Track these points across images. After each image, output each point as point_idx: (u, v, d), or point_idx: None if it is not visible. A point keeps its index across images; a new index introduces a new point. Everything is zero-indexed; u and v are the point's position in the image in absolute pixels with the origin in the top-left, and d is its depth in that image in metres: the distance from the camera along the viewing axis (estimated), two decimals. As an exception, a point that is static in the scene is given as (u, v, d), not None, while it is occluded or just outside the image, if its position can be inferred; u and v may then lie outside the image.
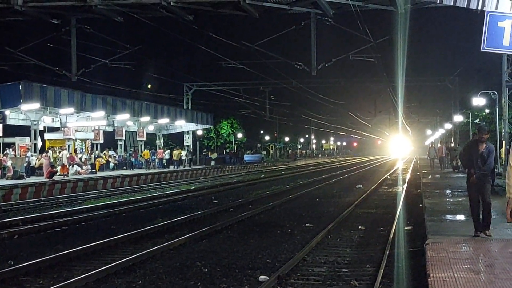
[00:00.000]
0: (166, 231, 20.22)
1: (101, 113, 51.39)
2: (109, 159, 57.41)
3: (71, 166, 47.42)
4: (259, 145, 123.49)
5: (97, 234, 19.47)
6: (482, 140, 14.48)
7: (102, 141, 57.73)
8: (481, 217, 14.86)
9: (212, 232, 19.71)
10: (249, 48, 41.14)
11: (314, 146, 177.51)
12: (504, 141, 44.98)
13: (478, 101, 51.91)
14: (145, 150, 65.22)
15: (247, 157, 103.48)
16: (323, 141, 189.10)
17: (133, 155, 65.61)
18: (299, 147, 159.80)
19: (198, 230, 19.50)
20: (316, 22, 36.97)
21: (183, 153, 67.02)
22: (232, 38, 39.50)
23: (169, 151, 67.10)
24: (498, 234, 15.58)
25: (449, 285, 10.11)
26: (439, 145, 67.34)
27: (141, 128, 65.48)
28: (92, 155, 54.68)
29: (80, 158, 50.99)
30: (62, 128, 51.68)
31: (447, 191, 30.23)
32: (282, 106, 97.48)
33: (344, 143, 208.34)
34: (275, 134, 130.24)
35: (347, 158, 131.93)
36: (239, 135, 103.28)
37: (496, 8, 14.62)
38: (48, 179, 38.67)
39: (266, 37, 40.38)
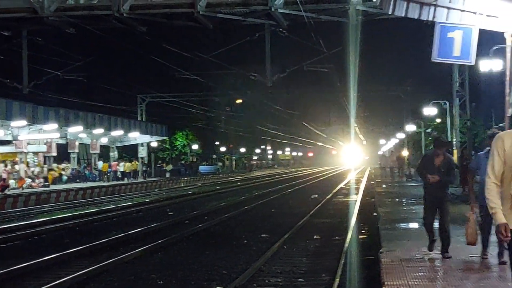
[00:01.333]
0: (120, 244, 20.12)
1: (53, 126, 50.86)
2: (62, 172, 56.90)
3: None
4: (214, 156, 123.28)
5: (50, 248, 19.28)
6: (438, 153, 13.06)
7: (55, 154, 57.18)
8: (436, 235, 13.47)
9: (167, 244, 19.67)
10: (204, 59, 41.19)
11: (270, 156, 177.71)
12: (455, 150, 45.60)
13: (430, 110, 52.60)
14: (103, 163, 64.97)
15: (202, 168, 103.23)
16: (279, 152, 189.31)
17: (87, 167, 65.11)
18: (255, 158, 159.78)
19: (153, 242, 19.44)
20: (271, 33, 37.13)
21: (132, 165, 66.53)
22: (186, 49, 39.44)
23: (123, 163, 66.71)
24: (452, 241, 15.81)
25: (403, 293, 10.27)
26: (387, 154, 67.94)
27: (95, 141, 64.97)
28: (45, 168, 54.13)
29: (33, 171, 50.47)
30: (14, 141, 51.04)
31: (400, 200, 30.59)
32: (238, 117, 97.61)
33: (300, 154, 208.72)
34: (231, 146, 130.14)
35: (302, 169, 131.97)
36: (194, 147, 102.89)
37: (447, 19, 14.88)
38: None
39: (221, 48, 40.46)
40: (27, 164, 52.48)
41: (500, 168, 6.75)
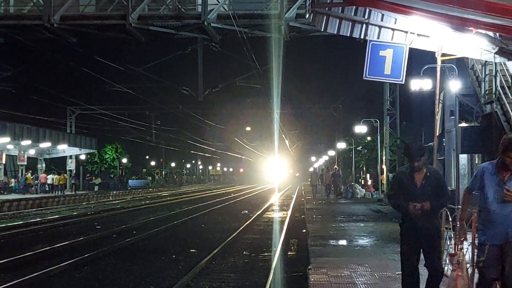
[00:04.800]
0: (46, 258, 19.76)
1: (-20, 136, 50.03)
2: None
3: None
4: (144, 170, 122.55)
5: (-27, 261, 18.85)
6: (416, 167, 9.33)
7: (-20, 165, 56.21)
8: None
9: (94, 258, 19.40)
10: (135, 72, 40.97)
11: (200, 171, 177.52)
12: (384, 168, 46.24)
13: (361, 128, 53.33)
14: (27, 174, 63.95)
15: (132, 182, 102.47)
16: (210, 167, 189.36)
17: (16, 178, 64.05)
18: (186, 172, 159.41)
19: (79, 256, 19.15)
20: (203, 48, 37.15)
21: (61, 178, 65.62)
22: (118, 62, 39.19)
23: (52, 176, 65.78)
24: (377, 259, 15.98)
25: (331, 309, 10.30)
26: (320, 171, 68.14)
27: (22, 152, 64.13)
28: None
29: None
30: None
31: (330, 217, 30.80)
32: (168, 131, 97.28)
33: (231, 169, 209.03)
34: (161, 160, 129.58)
35: (231, 185, 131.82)
36: (124, 160, 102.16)
37: (378, 37, 15.07)
38: None
39: (153, 61, 40.32)
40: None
41: None
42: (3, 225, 30.87)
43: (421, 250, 9.30)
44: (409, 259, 9.26)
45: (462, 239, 9.36)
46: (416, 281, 9.30)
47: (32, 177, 64.23)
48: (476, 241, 8.92)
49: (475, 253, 9.14)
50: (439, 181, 9.47)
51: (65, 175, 68.92)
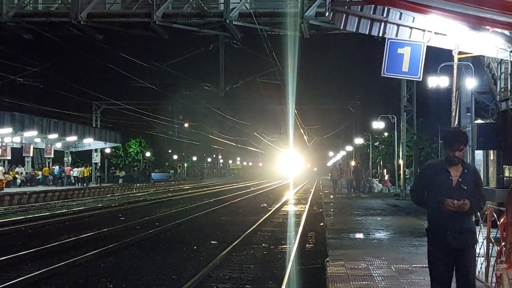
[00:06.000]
0: (72, 248, 19.88)
1: (8, 130, 50.24)
2: (16, 176, 56.15)
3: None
4: (167, 164, 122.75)
5: (2, 250, 18.94)
6: (455, 159, 7.60)
7: (9, 158, 56.42)
8: None
9: (118, 248, 19.47)
10: (159, 68, 41.02)
11: (221, 165, 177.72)
12: (401, 163, 46.08)
13: (378, 124, 53.29)
14: (45, 167, 64.48)
15: (155, 175, 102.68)
16: (230, 161, 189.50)
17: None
18: (207, 166, 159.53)
19: (104, 246, 19.24)
20: (225, 45, 37.14)
21: (86, 170, 65.85)
22: (142, 58, 39.24)
23: (77, 168, 66.02)
24: (394, 252, 15.92)
25: (348, 301, 10.27)
26: (339, 165, 67.81)
27: (49, 145, 64.51)
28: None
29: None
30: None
31: (347, 211, 30.72)
32: (191, 126, 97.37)
33: (250, 163, 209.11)
34: (183, 154, 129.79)
35: (251, 180, 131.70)
36: (147, 154, 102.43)
37: (396, 35, 15.00)
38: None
39: (176, 58, 40.34)
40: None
41: None
42: (31, 216, 31.06)
43: (454, 259, 7.55)
44: (440, 268, 7.54)
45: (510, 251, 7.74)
46: None
47: (50, 170, 64.64)
48: None
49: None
50: (477, 179, 7.74)
51: (89, 168, 69.09)
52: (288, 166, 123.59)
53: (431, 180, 7.61)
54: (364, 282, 11.80)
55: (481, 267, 10.82)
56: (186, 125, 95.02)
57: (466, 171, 7.58)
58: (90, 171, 68.02)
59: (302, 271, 15.37)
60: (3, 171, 49.07)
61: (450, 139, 7.58)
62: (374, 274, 12.72)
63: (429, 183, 7.63)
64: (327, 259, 14.60)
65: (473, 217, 7.99)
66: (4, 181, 48.16)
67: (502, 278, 7.97)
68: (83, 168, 65.92)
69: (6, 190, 46.74)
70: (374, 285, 11.57)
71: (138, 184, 76.64)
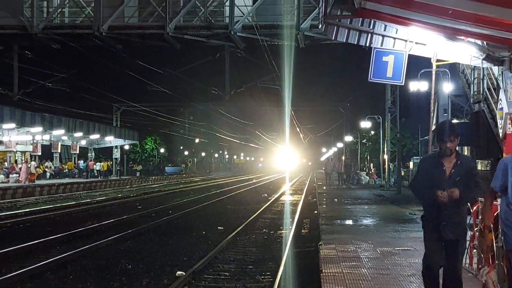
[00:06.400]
0: (95, 233, 19.90)
1: (39, 129, 50.32)
2: (46, 169, 56.19)
3: (11, 174, 46.39)
4: (179, 158, 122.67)
5: (34, 235, 18.96)
6: (447, 151, 7.12)
7: (40, 153, 56.44)
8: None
9: (135, 234, 19.48)
10: (172, 74, 40.98)
11: (226, 160, 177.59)
12: (386, 158, 46.08)
13: (365, 124, 53.44)
14: (69, 162, 64.78)
15: (168, 169, 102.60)
16: (235, 157, 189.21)
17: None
18: (214, 161, 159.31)
19: (123, 232, 19.24)
20: (230, 54, 37.10)
21: (103, 164, 65.79)
22: (157, 66, 39.07)
23: (99, 163, 66.06)
24: (379, 236, 15.93)
25: (338, 280, 10.27)
26: (332, 160, 67.73)
27: (75, 142, 64.85)
28: (31, 165, 53.39)
29: (20, 168, 49.79)
30: (4, 141, 50.50)
31: (338, 201, 30.73)
32: (200, 125, 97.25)
33: (253, 158, 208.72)
34: (193, 150, 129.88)
35: (252, 173, 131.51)
36: (162, 150, 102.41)
37: (382, 45, 14.96)
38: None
39: (187, 65, 40.30)
40: (15, 161, 51.89)
41: None
42: (59, 205, 31.09)
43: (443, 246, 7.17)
44: (431, 252, 7.19)
45: (487, 254, 7.45)
46: (436, 277, 7.25)
47: (76, 164, 64.92)
48: (504, 246, 6.88)
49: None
50: (471, 170, 7.21)
51: (109, 162, 69.00)
52: (286, 161, 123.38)
53: (427, 173, 7.19)
54: (353, 263, 11.81)
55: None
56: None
57: (459, 162, 7.09)
58: (109, 165, 67.85)
59: (298, 254, 15.38)
60: (35, 165, 49.17)
61: (441, 131, 7.07)
62: (361, 256, 12.72)
63: (426, 176, 7.20)
64: (320, 243, 14.61)
65: (465, 208, 7.35)
66: (35, 174, 48.17)
67: (487, 283, 7.62)
68: (104, 162, 66.02)
69: (37, 182, 46.72)
70: (362, 266, 11.57)
71: (153, 177, 76.63)
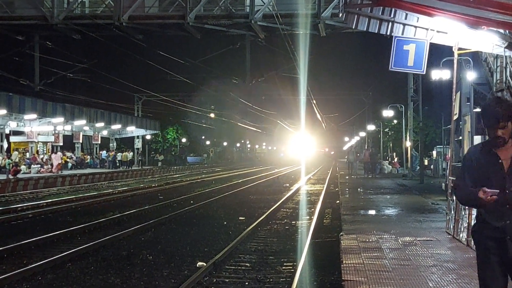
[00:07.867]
0: (116, 223, 20.06)
1: (60, 119, 50.65)
2: (68, 160, 56.57)
3: (33, 165, 46.80)
4: (200, 148, 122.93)
5: (55, 225, 19.18)
6: (499, 140, 4.91)
7: (61, 144, 56.85)
8: None
9: (157, 224, 19.60)
10: (192, 64, 41.11)
11: (248, 150, 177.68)
12: (408, 147, 45.93)
13: (388, 113, 53.23)
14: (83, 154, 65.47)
15: (190, 159, 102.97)
16: (257, 146, 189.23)
17: (91, 155, 64.84)
18: (236, 151, 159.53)
19: (144, 222, 19.37)
20: (250, 43, 37.15)
21: (129, 155, 66.01)
22: (177, 55, 39.23)
23: (120, 153, 66.32)
24: (400, 227, 15.90)
25: (359, 270, 10.27)
26: (354, 148, 67.54)
27: (96, 133, 65.16)
28: (52, 155, 53.85)
29: (42, 158, 50.24)
30: (26, 132, 50.96)
31: (360, 190, 30.66)
32: (221, 115, 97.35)
33: (275, 148, 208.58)
34: (215, 139, 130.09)
35: (274, 162, 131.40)
36: (183, 140, 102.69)
37: (402, 34, 14.91)
38: (12, 177, 37.79)
39: (207, 55, 40.44)
40: (37, 152, 52.30)
41: None
42: (81, 196, 31.32)
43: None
44: (490, 276, 4.90)
45: None
46: None
47: (98, 154, 65.37)
48: None
49: None
50: None
51: (127, 153, 69.14)
52: (307, 150, 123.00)
53: (476, 169, 5.00)
54: (374, 254, 11.80)
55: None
56: (212, 115, 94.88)
57: None
58: (128, 156, 67.83)
59: (319, 244, 15.40)
60: (61, 155, 49.61)
61: (485, 115, 5.00)
62: (383, 247, 12.71)
63: (475, 173, 5.00)
64: (341, 233, 14.61)
65: None
66: (61, 164, 48.62)
67: None
68: (124, 153, 66.29)
69: (59, 172, 47.15)
70: (383, 256, 11.56)
71: (175, 167, 76.81)
